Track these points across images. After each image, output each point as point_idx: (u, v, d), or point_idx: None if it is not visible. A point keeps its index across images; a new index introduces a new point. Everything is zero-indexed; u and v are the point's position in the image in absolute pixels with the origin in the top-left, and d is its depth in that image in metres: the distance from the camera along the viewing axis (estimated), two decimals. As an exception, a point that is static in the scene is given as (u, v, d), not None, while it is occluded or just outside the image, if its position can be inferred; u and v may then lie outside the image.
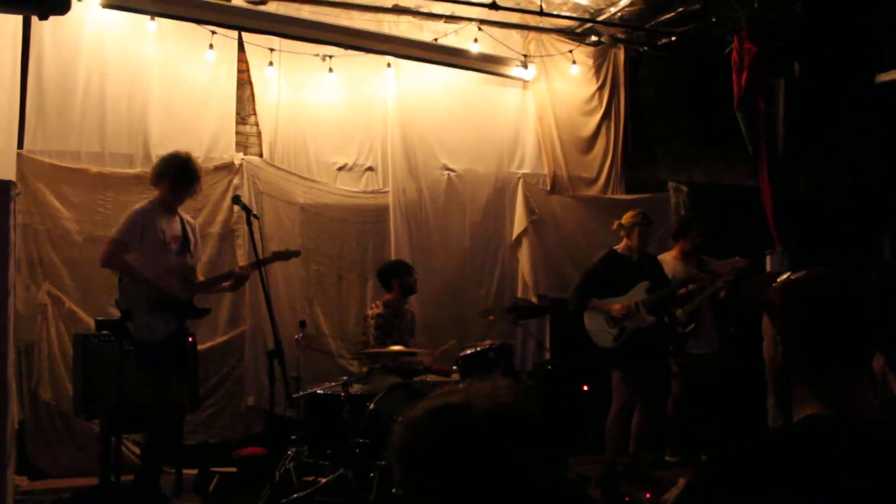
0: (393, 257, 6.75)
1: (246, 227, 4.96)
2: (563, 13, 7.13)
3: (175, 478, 5.46)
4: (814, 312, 1.57)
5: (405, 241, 6.96)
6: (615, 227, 5.98)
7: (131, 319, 4.62)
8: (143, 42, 6.32)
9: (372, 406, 5.02)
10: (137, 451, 5.71)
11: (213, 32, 6.36)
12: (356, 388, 5.30)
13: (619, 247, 5.95)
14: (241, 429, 6.40)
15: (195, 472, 5.66)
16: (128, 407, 4.75)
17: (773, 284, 1.68)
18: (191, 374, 5.24)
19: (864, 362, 1.59)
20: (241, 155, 6.61)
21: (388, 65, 6.96)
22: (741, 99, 6.64)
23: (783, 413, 1.67)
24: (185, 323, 4.93)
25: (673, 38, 7.51)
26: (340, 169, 6.96)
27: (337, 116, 6.94)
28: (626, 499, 5.31)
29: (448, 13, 6.93)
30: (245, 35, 6.58)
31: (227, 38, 6.50)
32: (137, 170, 6.20)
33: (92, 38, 6.20)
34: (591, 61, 7.66)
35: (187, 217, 5.21)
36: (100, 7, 5.96)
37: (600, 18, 7.21)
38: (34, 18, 5.65)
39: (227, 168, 6.53)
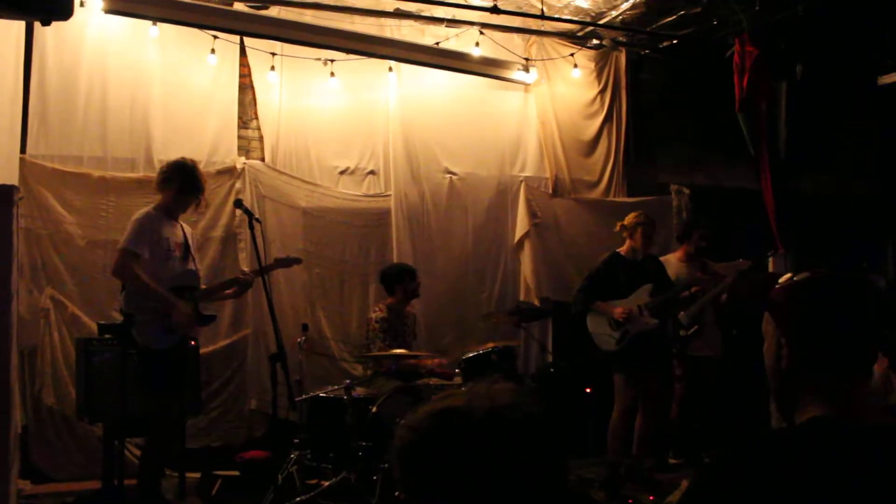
0: (395, 261, 6.75)
1: (248, 231, 4.97)
2: (565, 17, 7.13)
3: (178, 481, 5.46)
4: (818, 314, 1.57)
5: (407, 245, 6.97)
6: (618, 228, 5.97)
7: (134, 325, 4.61)
8: (145, 47, 6.34)
9: (374, 409, 5.02)
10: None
11: (215, 37, 6.38)
12: (359, 392, 5.30)
13: (623, 249, 5.94)
14: (243, 432, 6.40)
15: (198, 475, 5.66)
16: (130, 411, 4.74)
17: (777, 285, 1.68)
18: (193, 378, 5.23)
19: (867, 365, 1.58)
20: (243, 159, 6.62)
21: (390, 69, 6.97)
22: (743, 101, 6.64)
23: (784, 415, 1.66)
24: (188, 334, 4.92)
25: (674, 41, 7.52)
26: (342, 173, 6.97)
27: (339, 120, 6.95)
28: (630, 501, 5.31)
29: (449, 17, 6.93)
30: (247, 40, 6.60)
31: (228, 43, 6.51)
32: (140, 174, 6.22)
33: (94, 43, 6.22)
34: (592, 64, 7.67)
35: (185, 224, 5.19)
36: (102, 12, 5.98)
37: (601, 22, 7.22)
38: (37, 24, 5.67)
39: (230, 172, 6.54)
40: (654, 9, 6.99)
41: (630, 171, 7.75)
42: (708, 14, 6.96)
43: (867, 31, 7.08)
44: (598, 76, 7.70)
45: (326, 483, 4.99)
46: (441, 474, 1.26)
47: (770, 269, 7.23)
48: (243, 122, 6.73)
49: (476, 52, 6.96)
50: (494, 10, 6.37)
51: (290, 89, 6.78)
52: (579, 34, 7.56)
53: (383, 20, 6.93)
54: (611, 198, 7.63)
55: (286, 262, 5.44)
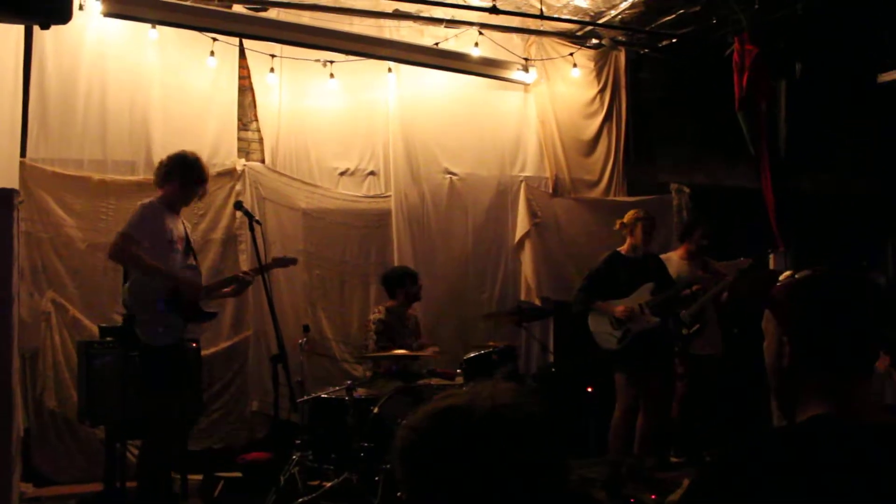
0: (396, 261, 6.76)
1: (248, 233, 4.97)
2: (564, 16, 7.13)
3: (180, 483, 5.47)
4: (819, 312, 1.57)
5: (408, 246, 6.97)
6: (617, 226, 5.98)
7: (136, 322, 4.60)
8: (145, 50, 6.34)
9: (376, 410, 5.02)
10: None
11: (215, 39, 6.38)
12: (360, 392, 5.30)
13: (623, 248, 5.94)
14: (245, 434, 6.41)
15: (200, 477, 5.66)
16: (131, 413, 4.74)
17: (778, 283, 1.68)
18: (194, 380, 5.23)
19: (869, 363, 1.58)
20: (242, 161, 6.63)
21: (389, 69, 6.98)
22: (742, 100, 6.65)
23: (784, 414, 1.66)
24: (187, 331, 4.91)
25: (674, 40, 7.51)
26: (342, 174, 6.97)
27: (338, 121, 6.95)
28: (632, 500, 5.31)
29: (448, 17, 6.93)
30: (246, 42, 6.60)
31: (228, 45, 6.51)
32: (140, 177, 6.22)
33: (93, 46, 6.22)
34: (591, 64, 7.67)
35: (185, 221, 5.19)
36: (101, 16, 5.98)
37: (601, 21, 7.22)
38: (36, 28, 5.67)
39: (230, 174, 6.54)
40: (654, 8, 6.99)
41: (630, 170, 7.75)
42: (707, 13, 6.96)
43: (866, 29, 7.08)
44: (598, 76, 7.70)
45: (328, 484, 4.99)
46: (442, 474, 1.26)
47: (770, 267, 7.23)
48: (243, 124, 6.73)
49: (475, 53, 6.96)
50: (493, 10, 6.37)
51: (289, 91, 6.79)
52: (578, 34, 7.57)
53: (382, 21, 6.94)
54: (611, 197, 7.63)
55: (283, 262, 5.43)
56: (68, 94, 6.15)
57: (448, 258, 7.16)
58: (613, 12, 7.03)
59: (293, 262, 5.57)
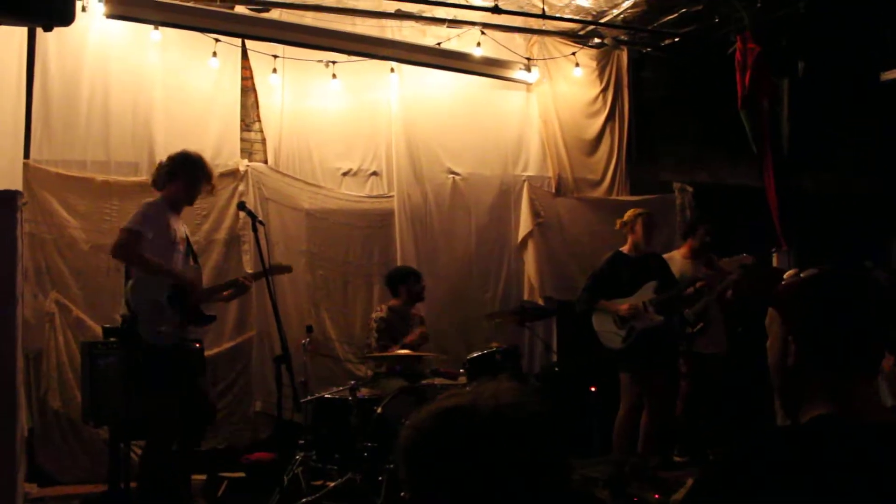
0: (399, 261, 6.76)
1: (252, 234, 4.96)
2: (566, 16, 7.13)
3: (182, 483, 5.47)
4: (826, 311, 1.56)
5: (411, 246, 6.98)
6: (618, 226, 5.99)
7: (139, 322, 4.60)
8: (147, 51, 6.35)
9: (379, 410, 5.02)
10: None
11: (217, 40, 6.39)
12: (363, 393, 5.31)
13: (625, 248, 5.96)
14: (249, 434, 6.41)
15: (204, 477, 5.67)
16: (135, 414, 4.75)
17: (783, 281, 1.67)
18: (200, 380, 5.20)
19: (874, 363, 1.58)
20: (245, 161, 6.63)
21: (392, 70, 6.98)
22: (745, 99, 6.64)
23: (788, 413, 1.66)
24: (189, 332, 4.91)
25: (676, 39, 7.51)
26: (345, 174, 6.97)
27: (341, 122, 6.96)
28: (635, 499, 5.30)
29: (450, 17, 6.93)
30: (248, 42, 6.61)
31: (230, 46, 6.52)
32: (143, 178, 6.21)
33: (96, 48, 6.23)
34: (594, 63, 7.67)
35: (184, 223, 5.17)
36: (104, 17, 5.99)
37: (603, 20, 7.21)
38: (39, 30, 5.69)
39: (232, 175, 6.54)
40: (656, 7, 6.99)
41: (633, 169, 7.74)
42: (709, 11, 6.95)
43: (869, 27, 7.08)
44: (600, 75, 7.69)
45: (332, 484, 4.99)
46: (445, 473, 1.27)
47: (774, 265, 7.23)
48: (246, 125, 6.74)
49: (477, 52, 6.96)
50: (495, 10, 6.37)
51: (292, 91, 6.79)
52: (581, 33, 7.56)
53: (384, 21, 6.94)
54: (614, 196, 7.63)
55: (280, 270, 5.41)
56: (71, 95, 6.15)
57: (451, 258, 7.16)
58: (615, 11, 7.03)
59: (289, 269, 5.59)
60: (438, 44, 6.95)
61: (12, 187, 4.77)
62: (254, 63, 6.68)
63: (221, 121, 6.59)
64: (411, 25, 7.02)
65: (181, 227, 4.96)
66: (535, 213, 7.32)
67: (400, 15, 6.92)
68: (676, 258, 6.44)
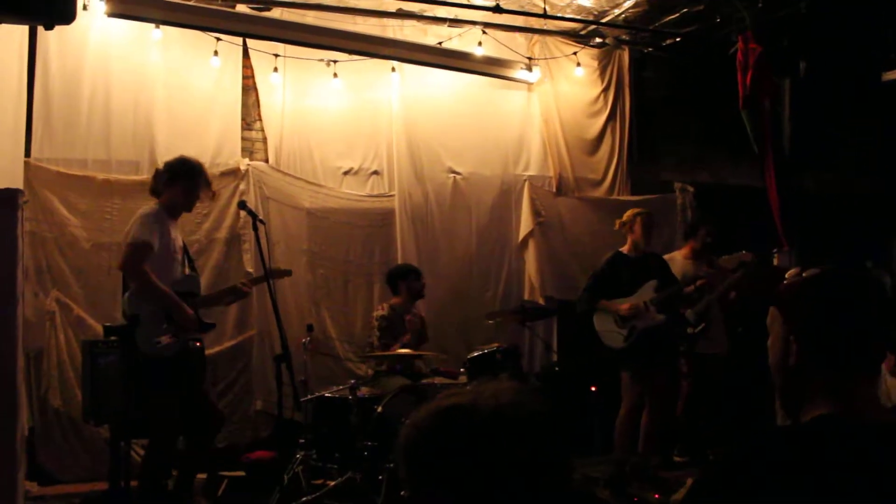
0: (399, 260, 6.77)
1: (252, 233, 4.96)
2: (567, 15, 7.13)
3: (176, 481, 5.46)
4: (828, 311, 1.56)
5: (411, 245, 6.98)
6: (617, 226, 6.00)
7: (138, 328, 4.59)
8: (148, 50, 6.35)
9: (380, 409, 5.02)
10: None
11: (218, 39, 6.39)
12: (364, 392, 5.31)
13: (625, 248, 5.96)
14: (249, 433, 6.41)
15: (204, 476, 5.67)
16: (136, 412, 4.75)
17: (785, 281, 1.67)
18: (200, 380, 5.19)
19: (876, 363, 1.58)
20: (246, 160, 6.63)
21: (393, 69, 6.98)
22: (746, 99, 6.64)
23: (788, 412, 1.66)
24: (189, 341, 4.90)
25: (677, 39, 7.50)
26: (346, 173, 6.97)
27: (342, 121, 6.96)
28: (635, 499, 5.30)
29: (452, 17, 6.93)
30: (250, 41, 6.61)
31: (231, 45, 6.52)
32: (144, 176, 6.19)
33: (97, 46, 6.23)
34: (595, 63, 7.66)
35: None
36: (105, 16, 5.99)
37: (604, 20, 7.21)
38: (40, 28, 5.68)
39: (233, 174, 6.54)
40: (657, 7, 6.99)
41: (634, 169, 7.75)
42: (711, 11, 6.95)
43: (870, 27, 7.07)
44: (602, 75, 7.69)
45: (332, 483, 4.99)
46: (445, 472, 1.27)
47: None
48: (247, 124, 6.74)
49: (479, 52, 6.96)
50: (497, 9, 6.37)
51: (293, 90, 6.79)
52: (582, 33, 7.56)
53: (385, 20, 6.94)
54: (615, 196, 7.63)
55: (279, 274, 5.39)
56: (72, 94, 6.15)
57: (452, 257, 7.16)
58: (617, 11, 7.03)
59: (288, 273, 5.57)
60: (440, 43, 6.95)
61: (13, 186, 4.76)
62: (255, 62, 6.68)
63: (222, 120, 6.59)
64: (412, 25, 7.02)
65: (178, 235, 4.95)
66: (535, 213, 7.32)
67: (401, 14, 6.92)
68: (678, 259, 6.44)
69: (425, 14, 6.94)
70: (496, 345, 5.83)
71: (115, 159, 6.28)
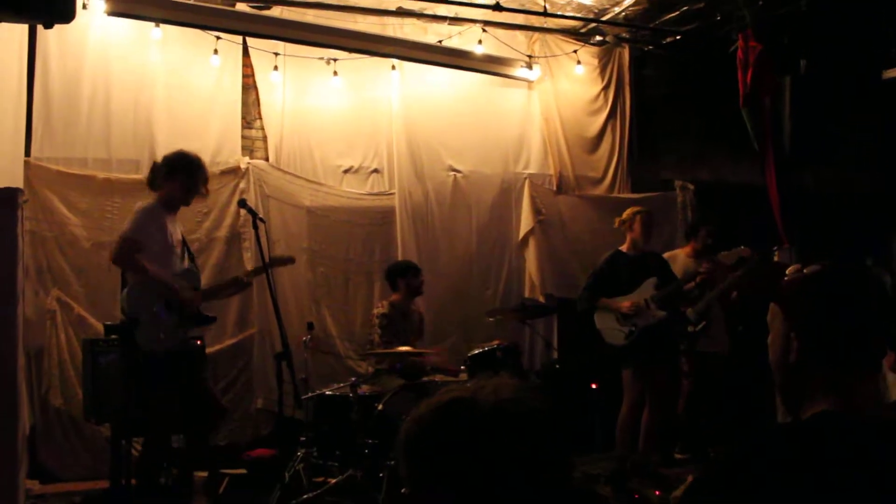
0: (400, 259, 6.76)
1: (252, 231, 4.96)
2: (567, 13, 7.13)
3: (174, 478, 5.46)
4: (829, 307, 1.56)
5: (412, 243, 6.98)
6: (617, 225, 6.00)
7: (137, 327, 4.60)
8: (148, 49, 6.35)
9: (380, 407, 5.03)
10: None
11: (218, 38, 6.39)
12: (364, 389, 5.32)
13: (624, 246, 5.96)
14: (250, 431, 6.42)
15: (205, 474, 5.67)
16: (137, 411, 4.75)
17: (786, 277, 1.67)
18: (200, 378, 5.20)
19: (876, 359, 1.58)
20: (246, 159, 6.63)
21: (393, 67, 6.98)
22: (747, 97, 6.64)
23: (789, 409, 1.66)
24: (189, 334, 4.90)
25: (678, 37, 7.50)
26: (346, 171, 6.97)
27: (342, 119, 6.96)
28: (636, 496, 5.31)
29: (452, 15, 6.93)
30: (250, 40, 6.60)
31: (231, 44, 6.52)
32: (144, 175, 6.18)
33: (97, 45, 6.23)
34: (595, 61, 7.66)
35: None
36: (104, 15, 5.99)
37: (604, 18, 7.21)
38: (40, 27, 5.68)
39: (234, 172, 6.55)
40: (657, 5, 6.99)
41: (634, 167, 7.74)
42: (711, 9, 6.95)
43: (871, 25, 7.06)
44: (602, 72, 7.69)
45: (333, 480, 5.00)
46: (445, 467, 1.27)
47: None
48: (247, 122, 6.74)
49: (479, 50, 6.95)
50: (497, 7, 6.37)
51: (293, 89, 6.79)
52: (582, 31, 7.56)
53: (386, 19, 6.94)
54: (615, 194, 7.63)
55: (282, 262, 5.40)
56: (72, 93, 6.15)
57: (452, 255, 7.16)
58: (617, 9, 7.03)
59: (291, 261, 5.55)
60: (440, 41, 6.95)
61: (13, 185, 4.77)
62: (255, 60, 6.68)
63: (222, 118, 6.58)
64: (413, 23, 7.02)
65: (177, 229, 4.94)
66: (536, 211, 7.32)
67: (401, 12, 6.92)
68: (680, 256, 6.45)
69: (425, 12, 6.94)
70: (496, 342, 5.83)
71: (115, 158, 6.28)
